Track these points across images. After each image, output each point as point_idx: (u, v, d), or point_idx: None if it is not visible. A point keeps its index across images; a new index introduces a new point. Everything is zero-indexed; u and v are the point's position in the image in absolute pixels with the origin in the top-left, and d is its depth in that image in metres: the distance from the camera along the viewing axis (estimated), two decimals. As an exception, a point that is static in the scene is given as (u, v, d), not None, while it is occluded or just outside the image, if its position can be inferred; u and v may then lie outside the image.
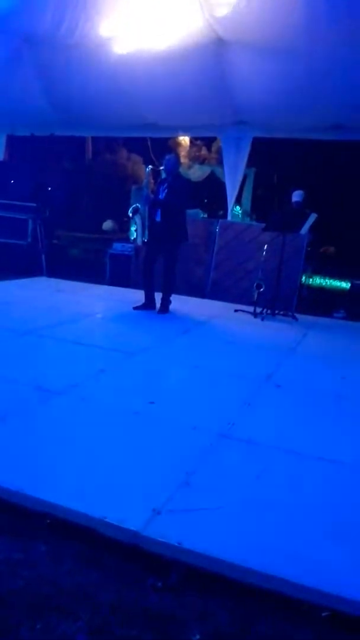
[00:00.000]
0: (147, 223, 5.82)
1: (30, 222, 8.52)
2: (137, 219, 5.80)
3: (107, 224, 10.64)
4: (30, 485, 2.05)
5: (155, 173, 5.99)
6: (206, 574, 1.73)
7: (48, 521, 1.94)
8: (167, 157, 5.94)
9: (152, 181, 6.08)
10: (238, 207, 8.97)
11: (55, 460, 2.30)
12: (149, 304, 6.11)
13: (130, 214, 5.89)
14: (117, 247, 8.32)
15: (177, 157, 6.53)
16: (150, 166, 5.90)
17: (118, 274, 8.07)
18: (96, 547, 1.86)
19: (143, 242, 5.90)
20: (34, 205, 8.59)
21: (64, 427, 2.68)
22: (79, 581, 1.73)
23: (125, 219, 6.03)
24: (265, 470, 2.37)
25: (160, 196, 5.82)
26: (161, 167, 5.90)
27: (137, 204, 5.85)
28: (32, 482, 2.08)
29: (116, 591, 1.70)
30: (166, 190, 5.80)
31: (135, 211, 5.83)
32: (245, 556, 1.73)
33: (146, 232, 5.82)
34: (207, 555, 1.74)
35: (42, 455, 2.34)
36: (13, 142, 9.60)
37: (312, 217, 6.21)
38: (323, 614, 1.56)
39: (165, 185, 5.82)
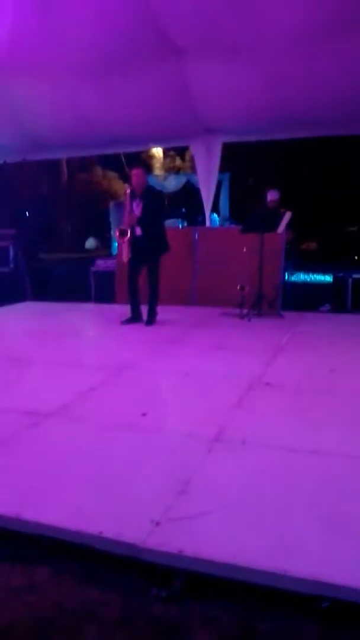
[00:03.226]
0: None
1: (10, 248, 8.53)
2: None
3: (90, 242, 10.69)
4: (26, 510, 2.04)
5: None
6: (209, 579, 1.73)
7: (47, 544, 1.94)
8: (133, 172, 5.98)
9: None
10: (215, 215, 9.03)
11: (51, 482, 2.29)
12: (136, 318, 6.12)
13: (119, 236, 5.90)
14: (100, 263, 8.35)
15: (143, 170, 6.54)
16: (129, 187, 5.90)
17: (103, 291, 8.08)
18: (96, 564, 1.85)
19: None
20: (13, 231, 8.60)
21: (56, 448, 2.68)
22: (82, 600, 1.73)
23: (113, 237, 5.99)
24: (260, 469, 2.38)
25: (136, 212, 5.86)
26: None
27: (124, 227, 5.87)
28: (29, 506, 2.08)
29: (120, 605, 1.69)
30: (140, 205, 5.84)
31: (123, 233, 5.86)
32: (244, 556, 1.74)
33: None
34: (207, 559, 1.74)
35: (37, 478, 2.33)
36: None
37: (288, 216, 6.26)
38: (323, 605, 1.56)
39: (138, 200, 5.86)
